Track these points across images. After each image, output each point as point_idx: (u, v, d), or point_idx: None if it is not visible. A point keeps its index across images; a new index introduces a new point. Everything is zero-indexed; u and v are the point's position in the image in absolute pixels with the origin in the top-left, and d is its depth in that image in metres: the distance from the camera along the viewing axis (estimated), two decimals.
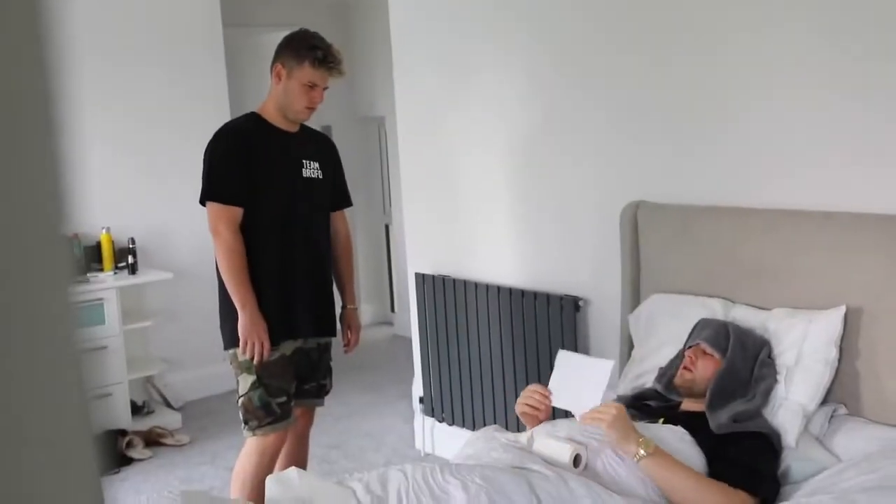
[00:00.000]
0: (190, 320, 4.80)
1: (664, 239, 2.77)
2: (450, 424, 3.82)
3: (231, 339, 2.71)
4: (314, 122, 3.04)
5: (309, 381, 2.90)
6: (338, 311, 2.98)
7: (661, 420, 2.22)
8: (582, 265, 3.22)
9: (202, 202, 2.70)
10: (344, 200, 3.00)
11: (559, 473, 1.93)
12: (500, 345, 3.46)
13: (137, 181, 4.67)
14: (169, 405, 4.67)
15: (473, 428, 3.54)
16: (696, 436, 2.13)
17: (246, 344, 2.65)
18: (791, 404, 2.20)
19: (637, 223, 2.86)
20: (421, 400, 3.95)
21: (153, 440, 4.19)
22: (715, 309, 2.52)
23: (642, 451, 1.95)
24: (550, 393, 2.20)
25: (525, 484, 1.87)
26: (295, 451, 2.97)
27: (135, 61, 4.62)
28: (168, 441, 4.21)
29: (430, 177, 3.76)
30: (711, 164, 2.75)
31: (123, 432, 4.12)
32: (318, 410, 3.04)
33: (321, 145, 2.90)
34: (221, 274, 2.67)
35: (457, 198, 3.63)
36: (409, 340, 4.24)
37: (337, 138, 3.78)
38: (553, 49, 3.19)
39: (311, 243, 2.80)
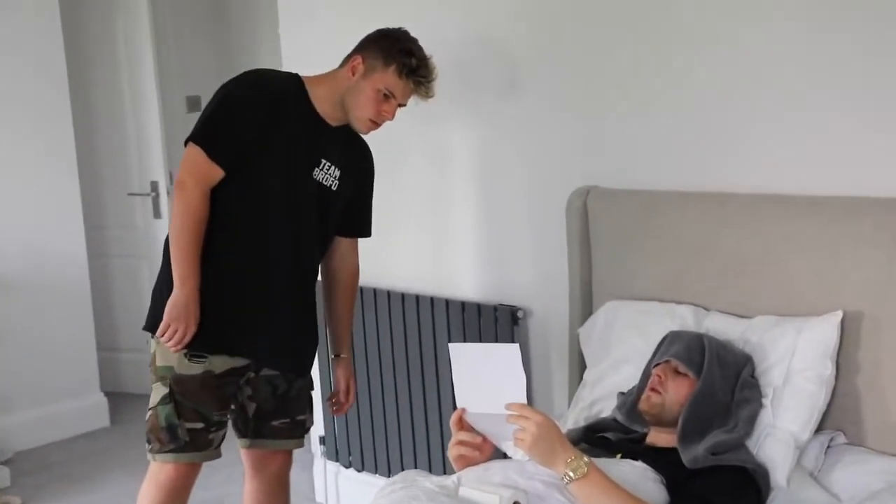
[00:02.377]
0: (18, 347, 4.65)
1: (621, 233, 2.78)
2: (359, 470, 3.79)
3: (154, 321, 2.67)
4: None
5: (278, 417, 2.86)
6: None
7: (619, 456, 2.21)
8: (521, 268, 3.21)
9: (186, 142, 2.68)
10: (361, 227, 2.97)
11: None
12: (421, 369, 3.43)
13: None
14: None
15: (388, 474, 3.51)
16: (664, 474, 2.12)
17: (168, 327, 2.61)
18: (780, 433, 2.22)
19: (587, 214, 2.86)
20: (322, 441, 3.91)
21: None
22: (685, 318, 2.52)
23: (570, 473, 1.94)
24: (464, 410, 2.15)
25: None
26: (265, 501, 2.98)
27: None
28: None
29: None
30: (678, 141, 2.76)
31: None
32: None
33: (354, 155, 2.86)
34: (170, 236, 2.65)
35: None
36: None
37: None
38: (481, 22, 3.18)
39: (297, 258, 2.77)
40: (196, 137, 2.65)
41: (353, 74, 2.70)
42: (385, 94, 2.69)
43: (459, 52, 3.25)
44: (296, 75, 2.80)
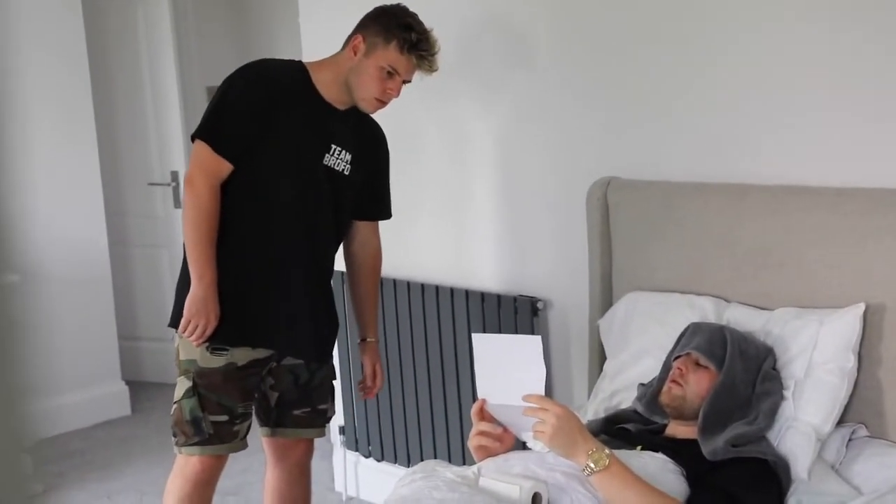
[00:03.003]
0: (39, 335, 4.67)
1: (641, 224, 2.77)
2: (378, 460, 3.79)
3: (177, 317, 2.70)
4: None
5: (300, 406, 2.87)
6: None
7: (639, 447, 2.21)
8: (540, 259, 3.21)
9: (192, 138, 2.69)
10: (379, 210, 2.96)
11: None
12: (440, 359, 3.43)
13: None
14: None
15: (408, 464, 3.51)
16: (684, 466, 2.12)
17: (189, 323, 2.63)
18: (801, 426, 2.21)
19: (608, 206, 2.85)
20: (342, 430, 3.92)
21: None
22: (706, 310, 2.52)
23: (591, 465, 1.94)
24: (485, 401, 2.15)
25: None
26: (287, 490, 2.98)
27: None
28: None
29: None
30: (699, 131, 2.75)
31: None
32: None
33: (366, 137, 2.85)
34: (184, 233, 2.66)
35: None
36: None
37: None
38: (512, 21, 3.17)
39: (313, 246, 2.77)
40: (201, 133, 2.65)
41: (355, 54, 2.68)
42: (389, 72, 2.67)
43: (479, 39, 3.25)
44: (299, 62, 2.79)
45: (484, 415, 2.14)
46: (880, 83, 2.38)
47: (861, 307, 2.27)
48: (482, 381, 2.15)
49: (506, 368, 2.08)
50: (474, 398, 2.16)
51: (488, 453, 2.17)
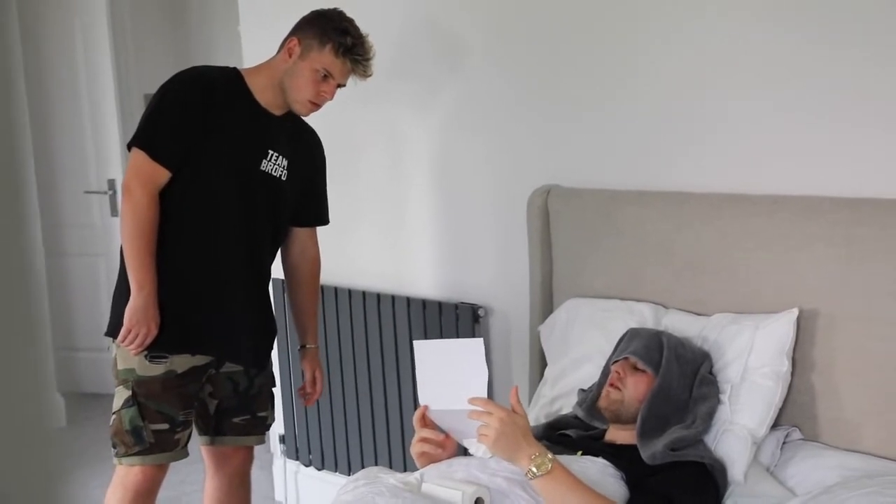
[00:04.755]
0: None
1: (581, 232, 2.79)
2: (319, 469, 3.78)
3: (115, 326, 2.66)
4: None
5: (239, 413, 2.86)
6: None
7: (580, 453, 2.23)
8: (481, 266, 3.22)
9: (129, 146, 2.66)
10: (317, 216, 2.96)
11: None
12: (382, 366, 3.43)
13: None
14: None
15: (349, 472, 3.51)
16: (624, 470, 2.14)
17: (129, 332, 2.59)
18: (737, 429, 2.24)
19: (548, 213, 2.87)
20: (282, 439, 3.89)
21: None
22: (645, 316, 2.55)
23: (534, 469, 1.95)
24: (427, 407, 2.15)
25: None
26: (226, 498, 2.96)
27: None
28: None
29: None
30: (639, 140, 2.79)
31: None
32: None
33: (301, 142, 2.85)
34: (122, 242, 2.63)
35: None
36: None
37: None
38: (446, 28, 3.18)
39: (250, 252, 2.76)
40: (138, 140, 2.63)
41: (290, 56, 2.69)
42: (323, 75, 2.68)
43: (416, 46, 3.25)
44: (234, 69, 2.79)
45: (426, 421, 2.15)
46: (816, 92, 2.43)
47: (794, 312, 2.31)
48: (424, 387, 2.15)
49: (448, 373, 2.09)
50: (415, 406, 2.17)
51: (431, 460, 2.17)
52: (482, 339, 2.13)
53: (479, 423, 1.98)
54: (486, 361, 2.05)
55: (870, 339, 2.23)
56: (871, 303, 2.23)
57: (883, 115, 2.33)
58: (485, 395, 2.02)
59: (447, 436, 2.16)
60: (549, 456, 1.97)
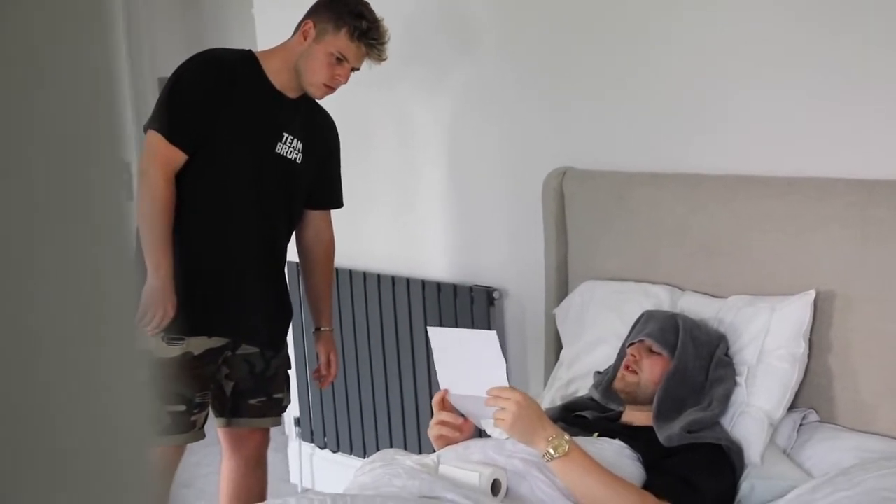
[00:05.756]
0: None
1: (597, 214, 2.79)
2: (334, 451, 3.79)
3: None
4: None
5: (255, 395, 2.87)
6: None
7: (596, 434, 2.23)
8: (496, 248, 3.22)
9: (145, 129, 2.67)
10: (331, 198, 2.96)
11: (477, 502, 1.91)
12: (396, 349, 3.44)
13: None
14: None
15: (364, 455, 3.51)
16: (640, 452, 2.15)
17: (146, 313, 2.58)
18: (754, 411, 2.25)
19: (563, 196, 2.87)
20: (297, 422, 3.90)
21: None
22: (661, 298, 2.55)
23: (551, 451, 1.96)
24: (447, 391, 2.16)
25: None
26: (242, 480, 2.97)
27: None
28: None
29: None
30: (652, 122, 2.78)
31: None
32: None
33: (316, 125, 2.85)
34: (139, 225, 2.62)
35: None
36: None
37: None
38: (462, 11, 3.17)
39: (265, 235, 2.77)
40: (154, 123, 2.64)
41: (305, 39, 2.68)
42: (338, 58, 2.67)
43: (430, 29, 3.25)
44: (248, 51, 2.79)
45: (445, 404, 2.16)
46: (831, 74, 2.42)
47: (812, 294, 2.30)
48: (443, 372, 2.16)
49: (466, 361, 2.10)
50: (430, 388, 2.18)
51: (448, 442, 2.19)
52: (495, 332, 2.13)
53: (497, 409, 1.99)
54: (502, 349, 2.05)
55: (886, 320, 2.23)
56: (887, 284, 2.22)
57: None
58: (505, 383, 2.03)
59: (465, 420, 2.17)
60: (566, 438, 1.97)
